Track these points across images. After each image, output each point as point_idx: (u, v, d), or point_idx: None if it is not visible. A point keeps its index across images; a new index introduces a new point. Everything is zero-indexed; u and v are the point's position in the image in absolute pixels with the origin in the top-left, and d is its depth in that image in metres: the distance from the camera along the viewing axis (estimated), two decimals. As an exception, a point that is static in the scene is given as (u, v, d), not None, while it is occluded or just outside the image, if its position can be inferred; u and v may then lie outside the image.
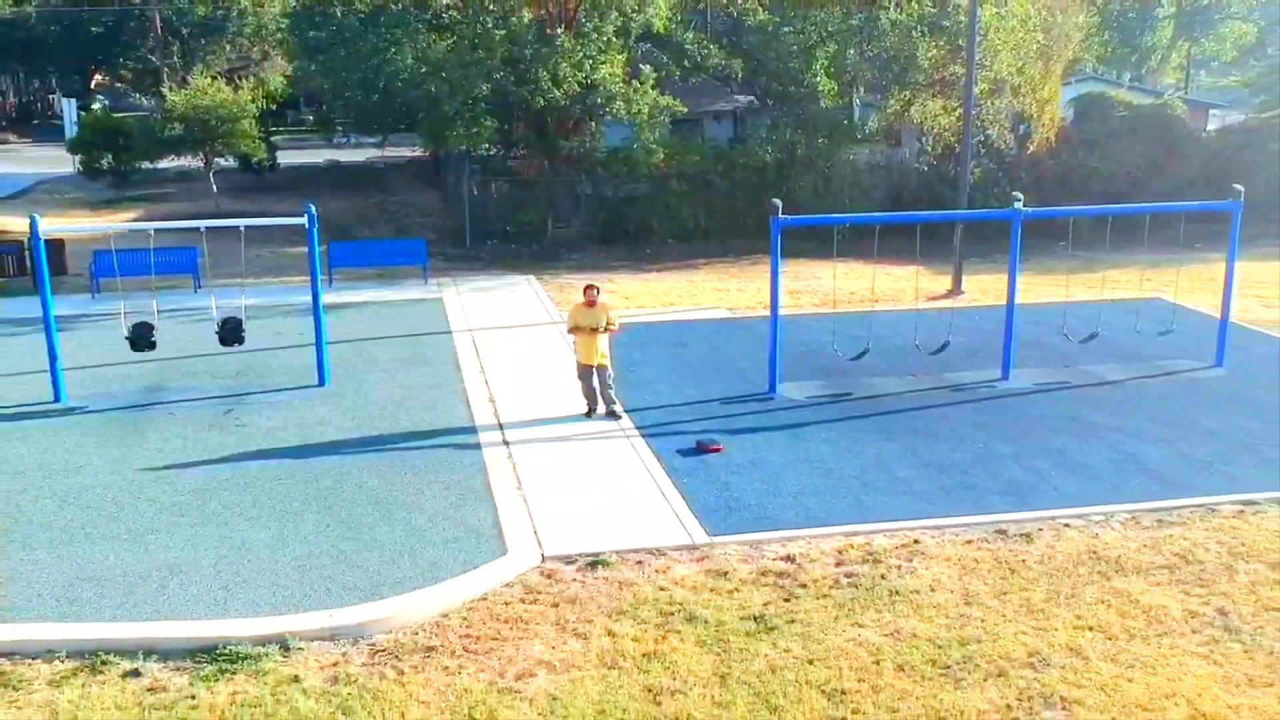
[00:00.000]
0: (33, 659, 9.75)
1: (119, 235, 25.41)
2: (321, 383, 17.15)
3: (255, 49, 66.18)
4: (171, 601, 10.62)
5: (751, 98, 35.75)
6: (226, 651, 9.77)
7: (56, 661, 9.72)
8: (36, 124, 75.77)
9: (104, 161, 38.41)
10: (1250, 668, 9.69)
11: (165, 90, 53.09)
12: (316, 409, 16.13)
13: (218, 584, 10.92)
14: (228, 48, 66.20)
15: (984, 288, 24.75)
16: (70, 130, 45.38)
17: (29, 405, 16.30)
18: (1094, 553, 11.72)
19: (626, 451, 14.51)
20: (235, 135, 33.94)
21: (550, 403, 16.42)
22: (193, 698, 9.20)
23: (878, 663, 9.65)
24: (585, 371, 15.72)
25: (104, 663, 9.67)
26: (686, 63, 29.56)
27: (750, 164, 29.73)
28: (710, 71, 31.43)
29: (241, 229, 16.89)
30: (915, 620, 10.35)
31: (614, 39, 26.07)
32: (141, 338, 16.52)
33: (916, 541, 11.96)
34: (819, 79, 30.09)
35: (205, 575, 11.10)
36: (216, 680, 9.44)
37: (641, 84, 26.22)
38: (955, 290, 24.24)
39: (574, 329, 15.76)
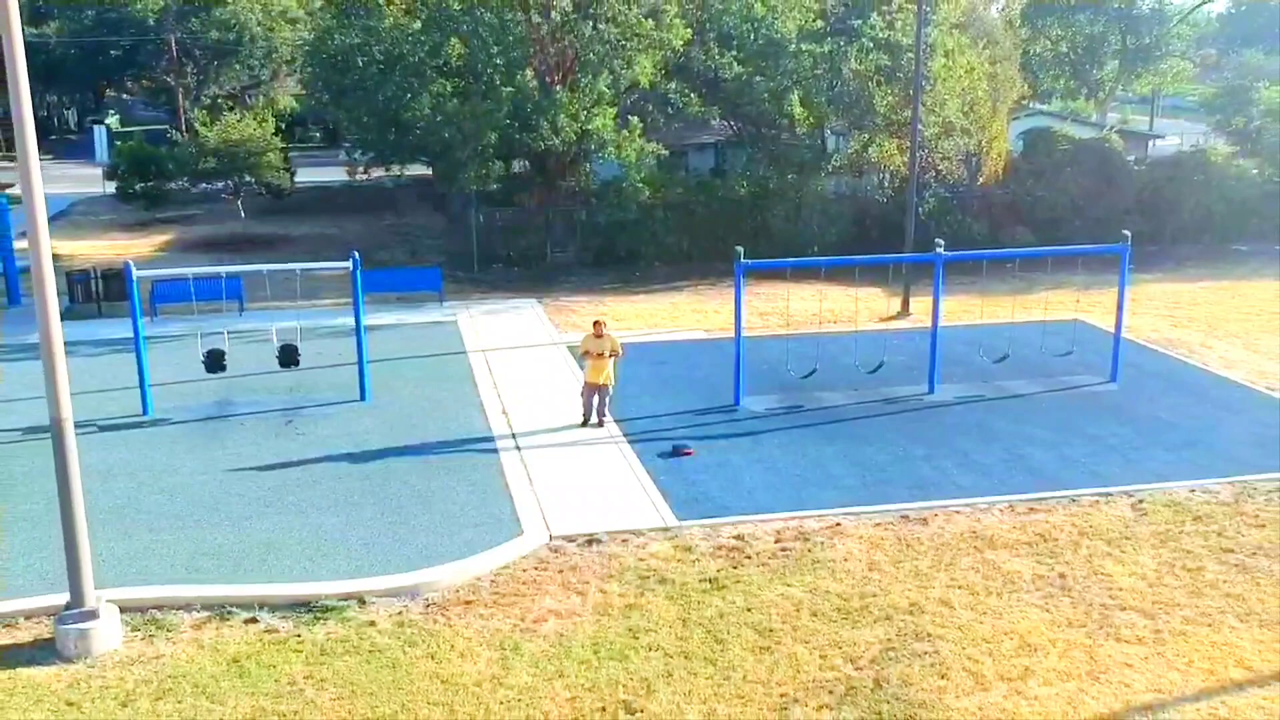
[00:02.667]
0: (176, 610, 13.22)
1: (173, 265, 28.94)
2: (363, 398, 20.60)
3: (265, 69, 69.59)
4: (271, 570, 14.09)
5: (732, 127, 39.16)
6: (319, 605, 13.26)
7: (194, 612, 13.19)
8: (54, 139, 79.06)
9: (138, 186, 41.80)
10: (1073, 614, 13.19)
11: (188, 113, 56.59)
12: (361, 420, 19.60)
13: (304, 557, 14.41)
14: (240, 69, 69.52)
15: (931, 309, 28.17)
16: (101, 154, 48.73)
17: (123, 418, 19.71)
18: (974, 533, 15.24)
19: (615, 454, 18.01)
20: (262, 166, 37.32)
21: (553, 414, 19.90)
22: (299, 636, 12.68)
23: (798, 610, 13.16)
24: (590, 389, 19.22)
25: (229, 613, 13.14)
26: (670, 110, 33.08)
27: (729, 196, 33.21)
28: (691, 117, 34.97)
29: (298, 272, 20.33)
30: (829, 581, 13.85)
31: (606, 91, 29.59)
32: (216, 361, 19.99)
33: (838, 524, 15.46)
34: (793, 110, 33.37)
35: (294, 550, 14.58)
36: (314, 625, 12.92)
37: (630, 132, 29.76)
38: (904, 312, 27.69)
39: (585, 354, 19.27)
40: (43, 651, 12.35)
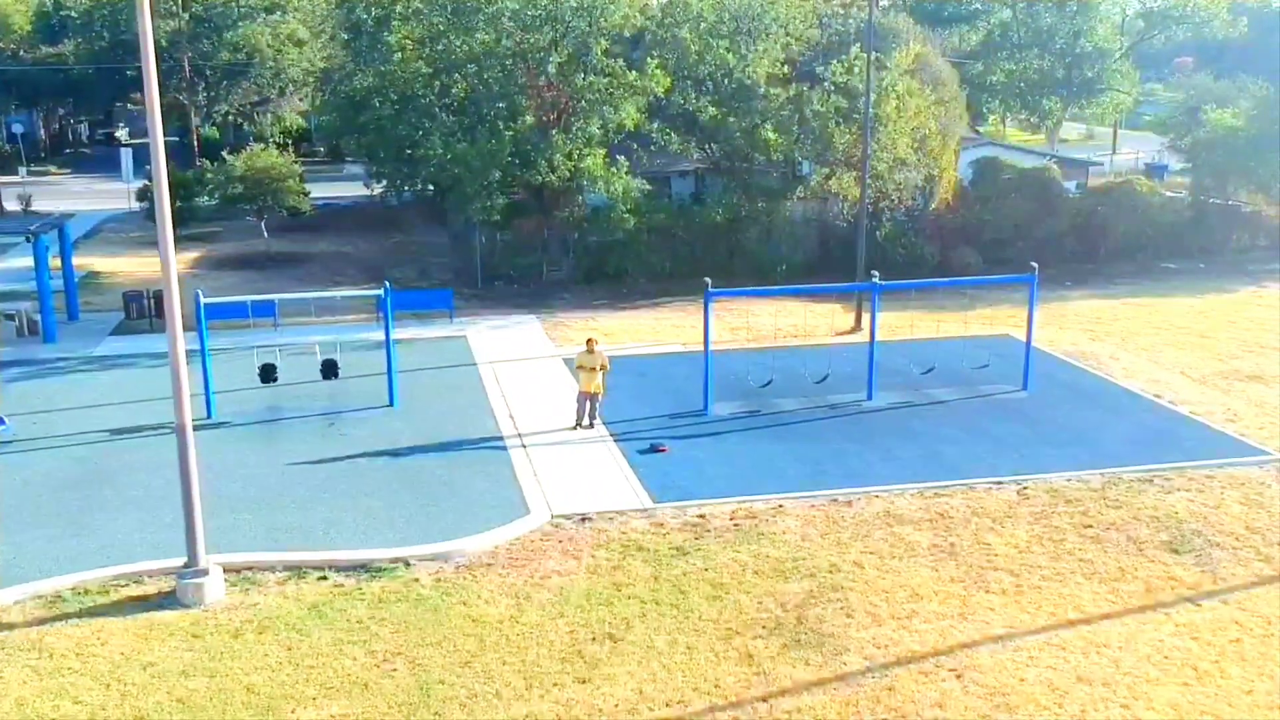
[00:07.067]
0: (262, 571, 17.08)
1: (206, 282, 32.77)
2: (391, 404, 24.46)
3: (273, 88, 73.35)
4: (333, 540, 17.97)
5: (710, 156, 43.11)
6: (374, 566, 17.14)
7: (277, 572, 17.05)
8: (69, 153, 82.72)
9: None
10: (955, 573, 17.13)
11: (200, 128, 60.22)
12: (392, 423, 23.47)
13: (359, 531, 18.29)
14: (250, 87, 73.23)
15: (882, 323, 32.02)
16: (127, 175, 52.43)
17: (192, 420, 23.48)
18: (888, 512, 19.17)
19: (604, 451, 21.93)
20: (285, 191, 41.11)
21: (552, 417, 23.78)
22: (360, 589, 16.56)
23: (744, 570, 17.08)
24: (583, 396, 23.11)
25: (304, 573, 17.01)
26: (653, 148, 37.08)
27: (706, 221, 37.16)
28: (672, 153, 38.96)
29: (338, 297, 24.17)
30: (770, 548, 17.78)
31: (596, 133, 33.58)
32: (269, 374, 23.88)
33: (781, 506, 19.39)
34: (767, 139, 37.15)
35: (350, 526, 18.46)
36: (371, 581, 16.79)
37: (618, 170, 33.75)
38: (856, 328, 31.58)
39: (579, 367, 23.17)
40: (167, 600, 16.21)
